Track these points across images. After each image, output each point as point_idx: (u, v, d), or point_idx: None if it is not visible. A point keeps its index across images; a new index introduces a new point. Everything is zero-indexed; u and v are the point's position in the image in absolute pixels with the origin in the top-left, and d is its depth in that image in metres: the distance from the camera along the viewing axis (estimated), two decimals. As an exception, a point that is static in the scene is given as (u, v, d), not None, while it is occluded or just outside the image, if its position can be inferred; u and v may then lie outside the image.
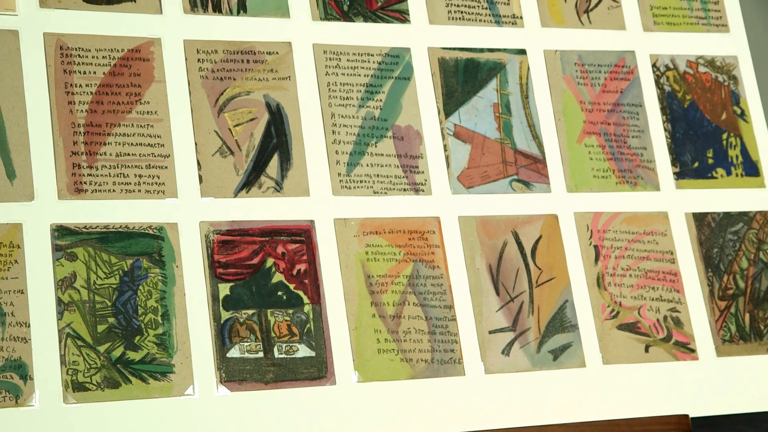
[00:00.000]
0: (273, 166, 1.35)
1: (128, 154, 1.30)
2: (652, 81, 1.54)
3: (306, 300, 1.32)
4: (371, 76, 1.41)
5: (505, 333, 1.39)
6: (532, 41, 1.49)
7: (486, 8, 1.49)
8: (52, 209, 1.26)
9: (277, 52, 1.38)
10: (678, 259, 1.48)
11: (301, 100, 1.38)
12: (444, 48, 1.45)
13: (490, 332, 1.38)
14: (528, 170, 1.45)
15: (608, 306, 1.44)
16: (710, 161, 1.54)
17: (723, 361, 1.46)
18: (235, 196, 1.33)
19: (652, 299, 1.46)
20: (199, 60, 1.35)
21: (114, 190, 1.28)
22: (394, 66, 1.43)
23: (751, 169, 1.55)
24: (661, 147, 1.52)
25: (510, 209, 1.43)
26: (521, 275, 1.41)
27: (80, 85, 1.30)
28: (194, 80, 1.34)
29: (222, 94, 1.35)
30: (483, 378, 1.36)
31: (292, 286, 1.32)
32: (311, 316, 1.32)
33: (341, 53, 1.41)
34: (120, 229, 1.27)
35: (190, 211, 1.30)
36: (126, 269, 1.26)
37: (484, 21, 1.48)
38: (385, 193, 1.38)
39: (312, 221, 1.34)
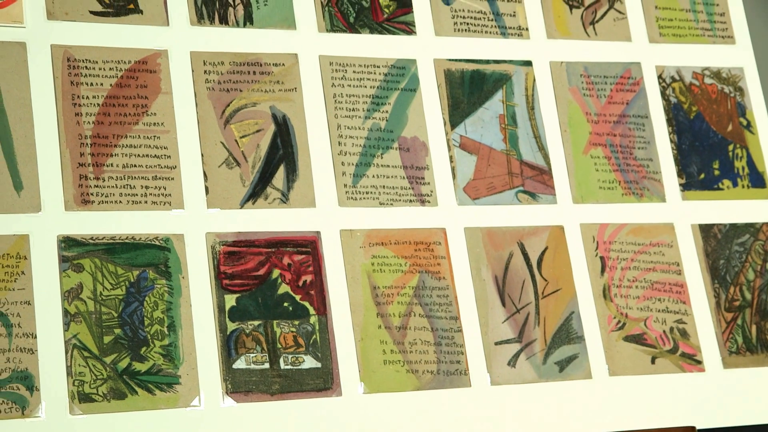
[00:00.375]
0: (279, 178, 1.35)
1: (135, 166, 1.30)
2: (658, 92, 1.54)
3: (312, 311, 1.32)
4: (377, 87, 1.42)
5: (511, 344, 1.39)
6: (538, 53, 1.50)
7: (492, 20, 1.49)
8: (59, 220, 1.26)
9: (283, 64, 1.38)
10: (684, 271, 1.48)
11: (307, 111, 1.38)
12: (450, 59, 1.46)
13: (496, 343, 1.38)
14: (534, 181, 1.45)
15: (614, 317, 1.44)
16: (716, 172, 1.54)
17: (730, 372, 1.46)
18: (242, 207, 1.33)
19: (659, 311, 1.46)
20: (205, 71, 1.35)
21: (120, 202, 1.29)
22: (400, 77, 1.43)
23: (758, 180, 1.55)
24: (667, 158, 1.52)
25: (516, 220, 1.43)
26: (527, 286, 1.41)
27: (87, 97, 1.30)
28: (201, 92, 1.35)
29: (228, 105, 1.35)
30: (489, 389, 1.36)
31: (298, 297, 1.32)
32: (317, 327, 1.32)
33: (347, 65, 1.41)
34: (126, 241, 1.27)
35: (197, 222, 1.31)
36: (132, 280, 1.27)
37: (490, 33, 1.49)
38: (391, 204, 1.39)
39: (318, 232, 1.35)
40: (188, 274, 1.29)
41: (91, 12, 1.33)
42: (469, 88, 1.46)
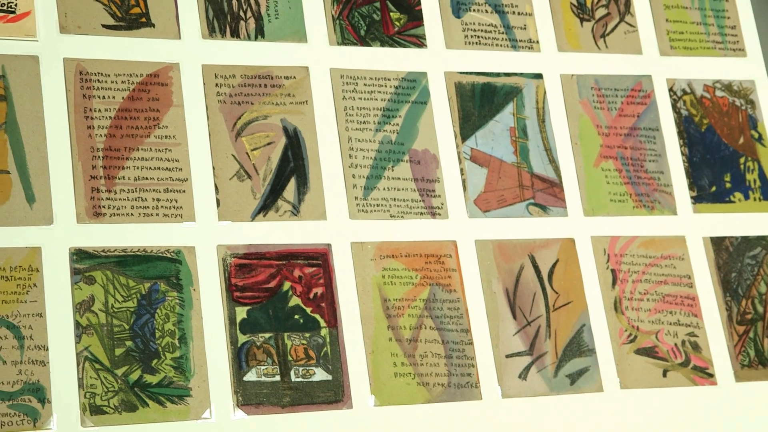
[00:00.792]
0: (290, 190, 1.35)
1: (146, 178, 1.30)
2: (668, 105, 1.54)
3: (323, 323, 1.32)
4: (388, 100, 1.42)
5: (522, 357, 1.38)
6: (548, 65, 1.50)
7: (502, 33, 1.49)
8: (71, 233, 1.26)
9: (294, 77, 1.39)
10: (696, 284, 1.48)
11: (318, 124, 1.38)
12: (461, 72, 1.46)
13: (507, 356, 1.38)
14: (545, 194, 1.45)
15: (626, 330, 1.43)
16: (728, 185, 1.53)
17: (742, 386, 1.45)
18: (252, 219, 1.33)
19: (670, 323, 1.45)
20: (217, 84, 1.36)
21: (132, 214, 1.29)
22: (410, 90, 1.43)
23: (769, 193, 1.55)
24: (679, 171, 1.52)
25: (527, 233, 1.43)
26: (538, 299, 1.41)
27: (99, 110, 1.31)
28: (212, 104, 1.35)
29: (239, 118, 1.36)
30: (500, 402, 1.36)
31: (308, 310, 1.32)
32: (328, 340, 1.32)
33: (358, 77, 1.41)
34: (138, 253, 1.28)
35: (208, 234, 1.31)
36: (144, 293, 1.27)
37: (501, 45, 1.49)
38: (402, 216, 1.39)
39: (329, 245, 1.35)
40: (199, 286, 1.29)
41: (104, 25, 1.33)
42: (479, 101, 1.46)
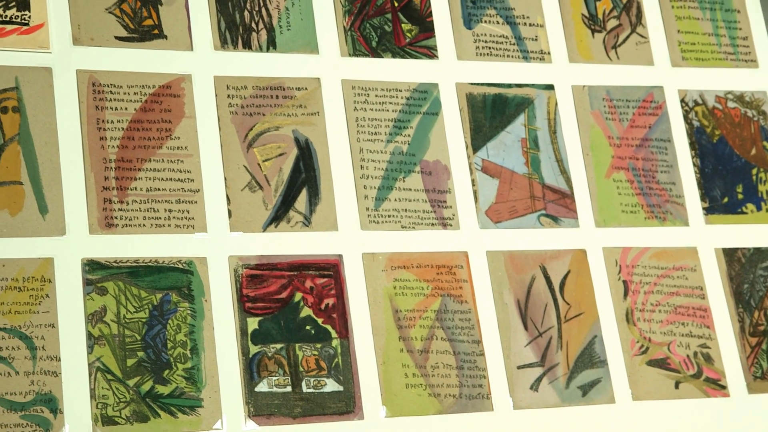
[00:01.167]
0: (301, 201, 1.36)
1: (158, 189, 1.31)
2: (680, 116, 1.54)
3: (334, 334, 1.32)
4: (399, 111, 1.42)
5: (534, 368, 1.38)
6: (560, 77, 1.50)
7: (514, 44, 1.50)
8: (83, 244, 1.27)
9: (306, 88, 1.39)
10: (708, 295, 1.47)
11: (329, 135, 1.39)
12: (472, 83, 1.46)
13: (519, 367, 1.37)
14: (556, 205, 1.45)
15: (637, 341, 1.43)
16: (740, 196, 1.53)
17: (754, 398, 1.45)
18: (264, 230, 1.33)
19: (682, 335, 1.45)
20: (228, 96, 1.36)
21: (144, 225, 1.29)
22: (422, 101, 1.43)
23: (782, 204, 1.54)
24: (690, 182, 1.52)
25: (538, 244, 1.43)
26: (549, 310, 1.41)
27: (112, 121, 1.31)
28: (224, 116, 1.36)
29: (251, 129, 1.36)
30: (511, 413, 1.36)
31: (320, 321, 1.32)
32: (339, 351, 1.32)
33: (370, 89, 1.42)
34: (150, 264, 1.28)
35: (219, 245, 1.31)
36: (155, 303, 1.27)
37: (512, 57, 1.49)
38: (413, 227, 1.39)
39: (340, 255, 1.35)
40: (211, 297, 1.29)
41: (117, 37, 1.34)
42: (491, 112, 1.46)
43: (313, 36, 1.41)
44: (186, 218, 1.31)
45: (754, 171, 1.55)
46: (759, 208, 1.53)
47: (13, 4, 1.30)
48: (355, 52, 1.42)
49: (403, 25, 1.46)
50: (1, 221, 1.24)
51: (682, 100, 1.55)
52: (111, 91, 1.32)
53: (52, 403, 1.21)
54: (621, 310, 1.44)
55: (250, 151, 1.36)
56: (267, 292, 1.31)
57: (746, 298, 1.49)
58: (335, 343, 1.32)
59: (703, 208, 1.51)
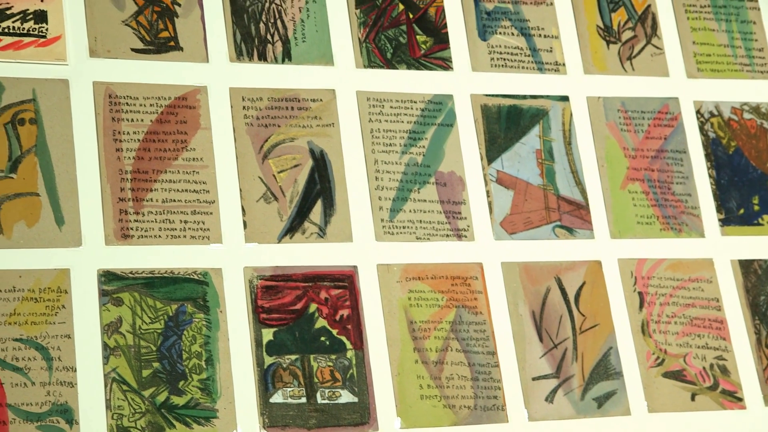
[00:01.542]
0: (316, 212, 1.36)
1: (174, 201, 1.31)
2: (696, 127, 1.53)
3: (349, 345, 1.32)
4: (414, 122, 1.42)
5: (549, 380, 1.38)
6: (574, 88, 1.50)
7: (529, 55, 1.50)
8: (99, 255, 1.27)
9: (321, 99, 1.40)
10: (724, 307, 1.47)
11: (344, 146, 1.39)
12: (487, 95, 1.46)
13: (534, 379, 1.37)
14: (571, 216, 1.45)
15: (653, 353, 1.42)
16: (756, 208, 1.53)
17: (772, 410, 1.45)
18: (279, 241, 1.34)
19: (698, 347, 1.45)
20: (244, 107, 1.37)
21: (160, 236, 1.30)
22: (437, 113, 1.44)
23: (798, 215, 1.54)
24: (706, 193, 1.51)
25: (553, 255, 1.42)
26: (565, 321, 1.40)
27: (128, 133, 1.32)
28: (239, 127, 1.36)
29: (266, 140, 1.37)
30: (526, 425, 1.35)
31: (335, 332, 1.32)
32: (354, 362, 1.32)
33: (385, 100, 1.42)
34: (165, 275, 1.28)
35: (235, 256, 1.31)
36: (171, 314, 1.27)
37: (527, 68, 1.49)
38: (428, 238, 1.39)
39: (355, 267, 1.35)
40: (226, 308, 1.29)
41: (133, 49, 1.34)
42: (505, 123, 1.46)
43: (328, 48, 1.42)
44: (201, 229, 1.31)
45: (770, 182, 1.55)
46: (775, 220, 1.53)
47: (31, 16, 1.31)
48: (370, 64, 1.43)
49: (418, 36, 1.46)
50: (18, 232, 1.25)
51: (698, 112, 1.54)
52: (127, 103, 1.33)
53: (67, 413, 1.21)
54: (636, 321, 1.43)
55: (265, 163, 1.36)
56: (282, 303, 1.32)
57: (762, 309, 1.48)
58: (350, 354, 1.32)
59: (719, 220, 1.51)
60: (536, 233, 1.43)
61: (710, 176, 1.52)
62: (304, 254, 1.34)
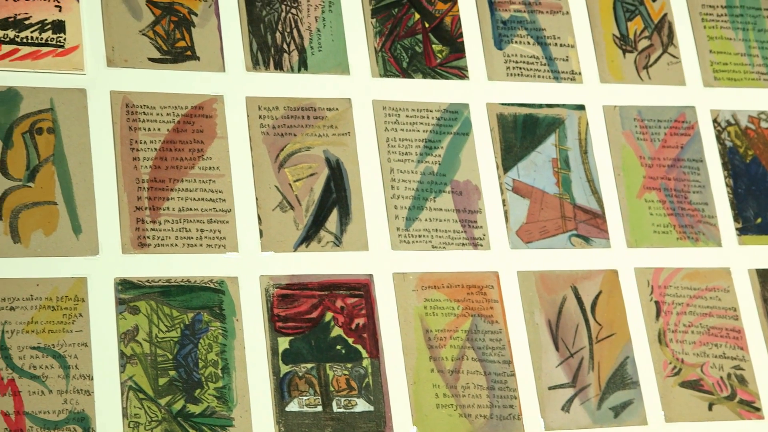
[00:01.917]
0: (332, 221, 1.36)
1: (190, 209, 1.32)
2: (713, 136, 1.53)
3: (365, 354, 1.32)
4: (430, 131, 1.43)
5: (565, 389, 1.37)
6: (591, 97, 1.50)
7: (545, 64, 1.50)
8: (116, 263, 1.28)
9: (337, 109, 1.40)
10: (741, 316, 1.46)
11: (360, 155, 1.39)
12: (502, 104, 1.46)
13: (550, 388, 1.37)
14: (587, 225, 1.45)
15: (670, 363, 1.42)
16: (773, 217, 1.52)
17: (790, 420, 1.44)
18: (295, 250, 1.34)
19: (716, 356, 1.44)
20: (260, 116, 1.37)
21: (176, 245, 1.30)
22: (452, 122, 1.44)
23: (816, 225, 1.53)
24: (723, 202, 1.51)
25: (569, 264, 1.42)
26: (581, 331, 1.40)
27: (145, 142, 1.32)
28: (255, 136, 1.36)
29: (282, 149, 1.37)
30: (543, 434, 1.35)
31: (350, 340, 1.32)
32: (370, 371, 1.32)
33: (400, 109, 1.42)
34: (181, 283, 1.29)
35: (251, 265, 1.32)
36: (187, 323, 1.28)
37: (543, 77, 1.49)
38: (444, 247, 1.39)
39: (371, 275, 1.35)
40: (242, 316, 1.30)
41: (150, 59, 1.35)
42: (521, 132, 1.46)
43: (344, 57, 1.42)
44: (217, 238, 1.31)
45: (788, 191, 1.54)
46: (793, 229, 1.52)
47: (49, 26, 1.32)
48: (386, 73, 1.43)
49: (433, 45, 1.46)
50: (36, 241, 1.26)
51: (715, 120, 1.54)
52: (144, 112, 1.33)
53: (84, 421, 1.22)
54: (653, 331, 1.43)
55: (281, 172, 1.36)
56: (298, 311, 1.32)
57: (780, 319, 1.48)
58: (366, 362, 1.32)
59: (736, 229, 1.50)
60: (552, 242, 1.43)
61: (727, 185, 1.52)
62: (320, 263, 1.34)
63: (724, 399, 1.43)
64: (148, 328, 1.26)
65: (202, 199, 1.32)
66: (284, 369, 1.29)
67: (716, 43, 1.57)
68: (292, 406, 1.28)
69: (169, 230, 1.30)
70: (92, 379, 1.23)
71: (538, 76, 1.49)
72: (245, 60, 1.38)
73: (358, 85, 1.41)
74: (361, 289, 1.34)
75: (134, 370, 1.25)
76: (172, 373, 1.26)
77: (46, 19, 1.32)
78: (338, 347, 1.32)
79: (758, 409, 1.43)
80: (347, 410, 1.30)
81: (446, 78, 1.45)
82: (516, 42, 1.49)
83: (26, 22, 1.31)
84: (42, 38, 1.31)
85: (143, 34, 1.36)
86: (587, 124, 1.49)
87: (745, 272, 1.48)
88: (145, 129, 1.33)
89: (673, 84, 1.54)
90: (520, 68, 1.48)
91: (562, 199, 1.45)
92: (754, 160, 1.54)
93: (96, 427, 1.22)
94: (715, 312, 1.46)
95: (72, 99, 1.31)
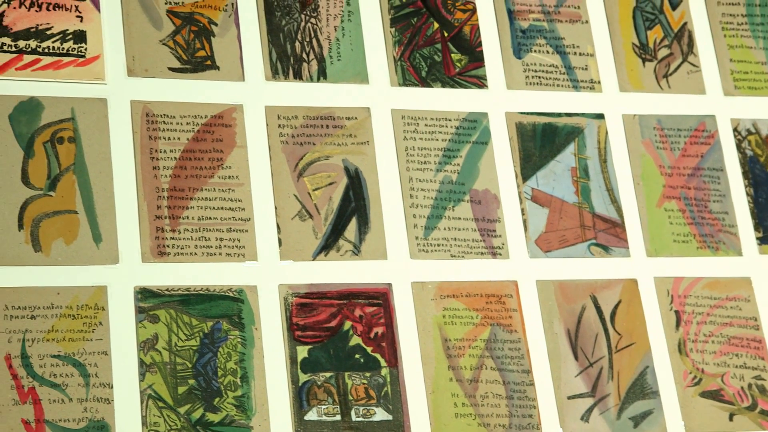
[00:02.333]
0: (351, 230, 1.36)
1: (210, 218, 1.32)
2: (733, 145, 1.53)
3: (383, 363, 1.32)
4: (449, 140, 1.43)
5: (584, 399, 1.37)
6: (610, 106, 1.50)
7: (564, 73, 1.49)
8: (136, 272, 1.28)
9: (356, 118, 1.40)
10: (762, 326, 1.46)
11: (379, 164, 1.39)
12: (521, 113, 1.46)
13: (569, 398, 1.36)
14: (606, 234, 1.44)
15: (690, 373, 1.41)
16: (794, 226, 1.52)
17: (811, 431, 1.43)
18: (314, 259, 1.34)
19: (736, 366, 1.43)
20: (279, 125, 1.37)
21: (196, 253, 1.30)
22: (471, 130, 1.44)
23: (838, 234, 1.52)
24: (744, 211, 1.50)
25: (588, 273, 1.42)
26: (600, 340, 1.40)
27: (164, 151, 1.33)
28: (275, 145, 1.37)
29: (301, 158, 1.37)
30: (562, 444, 1.35)
31: (369, 349, 1.32)
32: (388, 380, 1.32)
33: (419, 118, 1.42)
34: (201, 292, 1.29)
35: (270, 274, 1.32)
36: (206, 331, 1.28)
37: (562, 86, 1.49)
38: (463, 256, 1.39)
39: (389, 284, 1.35)
40: (261, 325, 1.30)
41: (170, 68, 1.36)
42: (540, 141, 1.46)
43: (363, 66, 1.42)
44: (237, 247, 1.32)
45: (809, 201, 1.53)
46: (814, 238, 1.51)
47: (70, 37, 1.33)
48: (405, 82, 1.43)
49: (452, 54, 1.46)
50: (57, 250, 1.26)
51: (735, 129, 1.53)
52: (164, 122, 1.34)
53: (104, 430, 1.22)
54: (673, 340, 1.42)
55: (300, 180, 1.36)
56: (316, 320, 1.32)
57: (802, 329, 1.47)
58: (384, 371, 1.32)
59: (757, 238, 1.49)
60: (571, 251, 1.42)
61: (748, 194, 1.51)
62: (339, 272, 1.34)
63: (744, 409, 1.42)
64: (167, 336, 1.27)
65: (222, 208, 1.33)
66: (303, 378, 1.29)
67: (737, 52, 1.57)
68: (311, 415, 1.28)
69: (188, 239, 1.31)
70: (112, 387, 1.23)
71: (557, 85, 1.49)
72: (265, 69, 1.39)
73: (377, 94, 1.42)
74: (379, 298, 1.34)
75: (154, 379, 1.25)
76: (192, 381, 1.26)
77: (67, 30, 1.33)
78: (357, 356, 1.32)
79: (779, 420, 1.43)
80: (366, 419, 1.29)
81: (465, 87, 1.45)
82: (535, 51, 1.49)
83: (48, 33, 1.32)
84: (63, 48, 1.32)
85: (163, 44, 1.36)
86: (606, 132, 1.48)
87: (766, 282, 1.48)
88: (165, 138, 1.33)
89: (693, 93, 1.53)
90: (539, 77, 1.48)
91: (582, 208, 1.45)
92: (775, 169, 1.54)
93: (115, 435, 1.22)
94: (735, 322, 1.45)
95: (93, 108, 1.32)
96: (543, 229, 1.42)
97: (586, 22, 1.52)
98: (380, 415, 1.30)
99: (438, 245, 1.38)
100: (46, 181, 1.28)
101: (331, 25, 1.43)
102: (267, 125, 1.37)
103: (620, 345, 1.40)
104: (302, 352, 1.30)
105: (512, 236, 1.41)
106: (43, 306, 1.24)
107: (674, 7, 1.56)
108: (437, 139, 1.42)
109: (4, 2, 1.32)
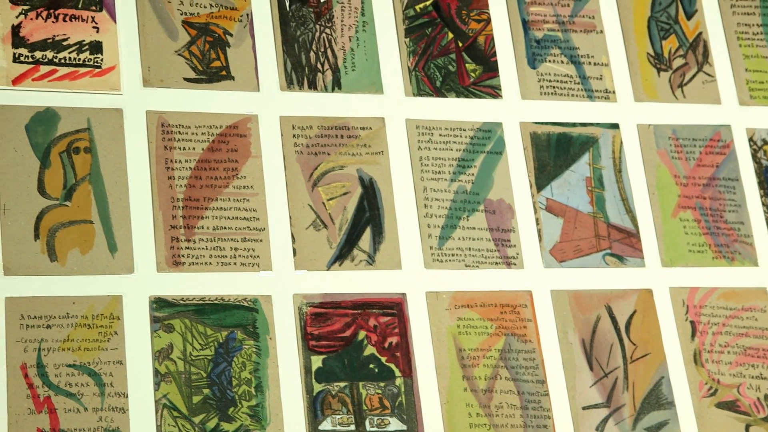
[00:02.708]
0: (365, 240, 1.36)
1: (225, 228, 1.32)
2: (748, 155, 1.52)
3: (398, 373, 1.32)
4: (463, 150, 1.43)
5: (599, 409, 1.37)
6: (625, 115, 1.49)
7: (578, 83, 1.49)
8: (151, 282, 1.28)
9: (370, 128, 1.40)
10: (778, 336, 1.45)
11: (393, 174, 1.39)
12: (536, 123, 1.46)
13: (584, 408, 1.36)
14: (621, 244, 1.44)
15: (706, 383, 1.41)
16: (811, 236, 1.51)
17: (828, 442, 1.42)
18: (328, 269, 1.34)
19: (752, 377, 1.43)
20: (294, 135, 1.38)
21: (210, 263, 1.31)
22: (486, 140, 1.44)
23: None
24: (759, 222, 1.50)
25: (603, 283, 1.42)
26: (615, 350, 1.39)
27: (180, 161, 1.33)
28: (289, 155, 1.37)
29: (316, 168, 1.38)
30: (577, 455, 1.34)
31: (383, 359, 1.32)
32: (403, 390, 1.31)
33: (434, 128, 1.42)
34: (216, 302, 1.29)
35: (284, 283, 1.32)
36: (221, 341, 1.28)
37: (577, 96, 1.49)
38: (477, 266, 1.39)
39: (404, 294, 1.35)
40: (275, 335, 1.30)
41: (185, 79, 1.36)
42: (555, 151, 1.46)
43: (378, 76, 1.42)
44: (251, 256, 1.32)
45: (826, 211, 1.53)
46: (831, 249, 1.51)
47: (87, 47, 1.34)
48: (420, 92, 1.43)
49: (467, 65, 1.46)
50: (72, 259, 1.27)
51: (750, 139, 1.53)
52: (179, 132, 1.34)
53: (119, 439, 1.22)
54: (689, 351, 1.42)
55: (314, 190, 1.37)
56: (331, 330, 1.32)
57: (818, 339, 1.46)
58: (399, 381, 1.32)
59: (773, 248, 1.49)
60: (586, 261, 1.42)
61: (763, 204, 1.51)
62: (353, 281, 1.34)
63: (761, 420, 1.41)
64: (182, 346, 1.27)
65: (236, 217, 1.33)
66: (317, 387, 1.29)
67: (752, 62, 1.56)
68: (325, 425, 1.28)
69: (203, 249, 1.31)
70: (127, 396, 1.24)
71: (572, 95, 1.49)
72: (279, 79, 1.39)
73: (391, 104, 1.42)
74: (394, 308, 1.34)
75: (168, 388, 1.25)
76: (206, 391, 1.26)
77: (83, 40, 1.34)
78: (371, 366, 1.32)
79: (796, 431, 1.42)
80: (380, 429, 1.29)
81: (480, 97, 1.45)
82: (549, 61, 1.49)
83: (64, 43, 1.33)
84: (79, 59, 1.33)
85: (179, 55, 1.37)
86: (621, 142, 1.48)
87: (782, 292, 1.47)
88: (180, 148, 1.34)
89: (708, 102, 1.53)
90: (554, 87, 1.48)
91: (596, 218, 1.45)
92: (791, 179, 1.53)
93: (131, 444, 1.23)
94: (751, 332, 1.44)
95: (108, 119, 1.32)
96: (558, 239, 1.42)
97: (601, 31, 1.52)
98: (394, 425, 1.30)
99: (452, 255, 1.38)
100: (62, 191, 1.29)
101: (346, 35, 1.43)
102: (282, 135, 1.37)
103: (635, 355, 1.40)
104: (317, 361, 1.30)
105: (527, 246, 1.41)
106: (59, 315, 1.25)
107: (689, 17, 1.56)
108: (452, 149, 1.42)
109: (21, 13, 1.33)
